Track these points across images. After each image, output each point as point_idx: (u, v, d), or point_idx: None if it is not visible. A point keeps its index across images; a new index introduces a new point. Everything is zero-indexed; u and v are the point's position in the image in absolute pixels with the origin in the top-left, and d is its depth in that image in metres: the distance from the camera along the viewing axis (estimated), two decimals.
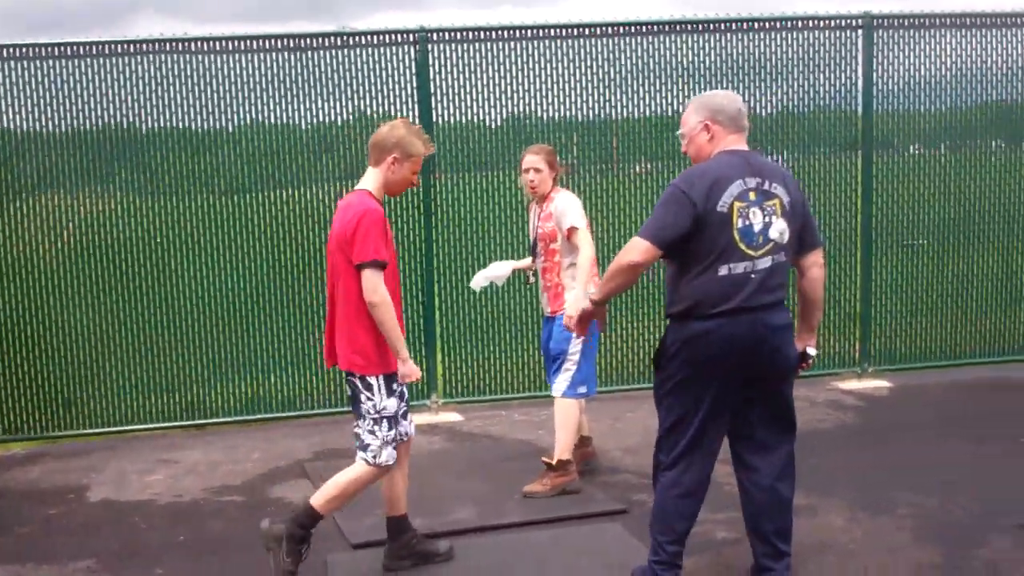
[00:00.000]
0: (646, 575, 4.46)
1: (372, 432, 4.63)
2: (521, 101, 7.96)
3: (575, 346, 5.73)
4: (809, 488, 5.68)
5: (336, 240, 4.58)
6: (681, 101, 8.03)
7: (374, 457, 4.64)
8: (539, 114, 8.02)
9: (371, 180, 4.70)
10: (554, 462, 5.83)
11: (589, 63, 8.01)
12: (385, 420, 4.62)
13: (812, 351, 4.49)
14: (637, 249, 4.17)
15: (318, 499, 4.69)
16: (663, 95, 8.12)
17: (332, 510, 4.77)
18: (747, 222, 4.16)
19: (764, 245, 4.19)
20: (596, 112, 8.09)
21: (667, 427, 4.39)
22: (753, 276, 4.17)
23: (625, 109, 8.13)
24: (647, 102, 8.12)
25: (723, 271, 4.16)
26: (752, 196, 4.19)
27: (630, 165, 8.30)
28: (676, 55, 8.09)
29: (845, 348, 8.59)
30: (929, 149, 8.63)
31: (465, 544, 5.19)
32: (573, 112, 8.04)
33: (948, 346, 8.66)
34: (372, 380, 4.59)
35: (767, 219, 4.19)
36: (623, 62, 8.06)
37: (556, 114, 8.04)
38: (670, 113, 8.11)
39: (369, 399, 4.61)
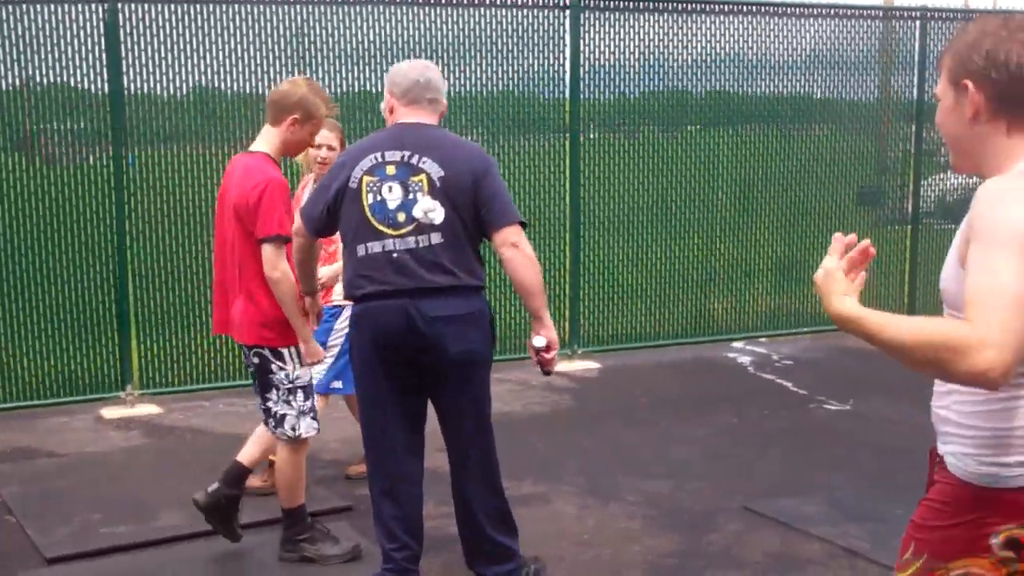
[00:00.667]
0: None
1: (288, 402, 4.44)
2: (209, 70, 7.34)
3: (334, 338, 5.40)
4: (538, 475, 5.60)
5: (234, 208, 4.32)
6: (380, 77, 7.66)
7: (293, 429, 4.46)
8: (228, 85, 7.45)
9: (267, 141, 4.43)
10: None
11: (281, 36, 7.45)
12: (299, 390, 4.45)
13: (537, 342, 4.07)
14: (296, 224, 4.14)
15: (284, 502, 4.64)
16: (360, 71, 7.71)
17: (299, 497, 4.67)
18: (379, 198, 3.88)
19: (407, 224, 3.87)
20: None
21: (361, 418, 4.26)
22: (395, 256, 3.87)
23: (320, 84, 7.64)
24: (343, 78, 7.69)
25: (360, 251, 3.92)
26: (390, 171, 3.90)
27: None
28: (374, 30, 7.69)
29: (557, 329, 8.57)
30: (635, 133, 8.78)
31: (176, 554, 4.73)
32: (266, 85, 7.46)
33: (652, 327, 8.85)
34: (283, 350, 4.38)
35: (410, 196, 3.88)
36: (318, 37, 7.57)
37: (247, 86, 7.49)
38: (368, 88, 7.76)
39: (281, 368, 4.41)
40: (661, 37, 8.55)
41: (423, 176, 3.88)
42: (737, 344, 9.03)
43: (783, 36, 8.90)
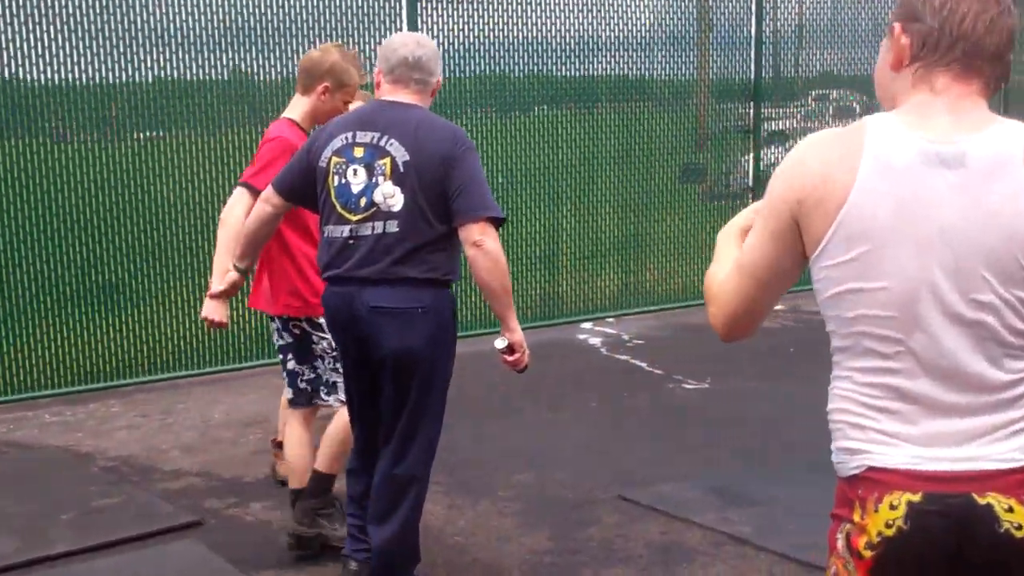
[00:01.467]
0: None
1: (336, 370, 4.28)
2: (13, 62, 6.70)
3: None
4: None
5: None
6: (189, 65, 7.18)
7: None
8: (35, 77, 6.81)
9: (297, 108, 4.36)
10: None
11: (81, 23, 6.82)
12: None
13: (498, 343, 3.81)
14: (265, 192, 3.94)
15: (322, 463, 4.40)
16: (167, 58, 7.12)
17: (339, 467, 4.41)
18: (343, 180, 3.66)
19: (366, 210, 3.64)
20: (91, 76, 6.95)
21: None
22: (352, 243, 3.66)
23: (124, 73, 7.03)
24: (148, 66, 7.08)
25: (327, 233, 3.75)
26: (358, 152, 3.66)
27: (132, 133, 7.31)
28: (205, 15, 7.17)
29: None
30: (471, 116, 8.51)
31: None
32: (75, 75, 6.88)
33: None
34: (320, 320, 4.19)
35: (373, 180, 3.63)
36: (125, 24, 6.97)
37: (54, 77, 6.85)
38: (176, 77, 7.21)
39: (323, 337, 4.30)
40: (487, 20, 8.30)
41: (388, 159, 3.62)
42: (586, 325, 8.87)
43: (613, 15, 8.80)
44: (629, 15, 8.90)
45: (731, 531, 4.51)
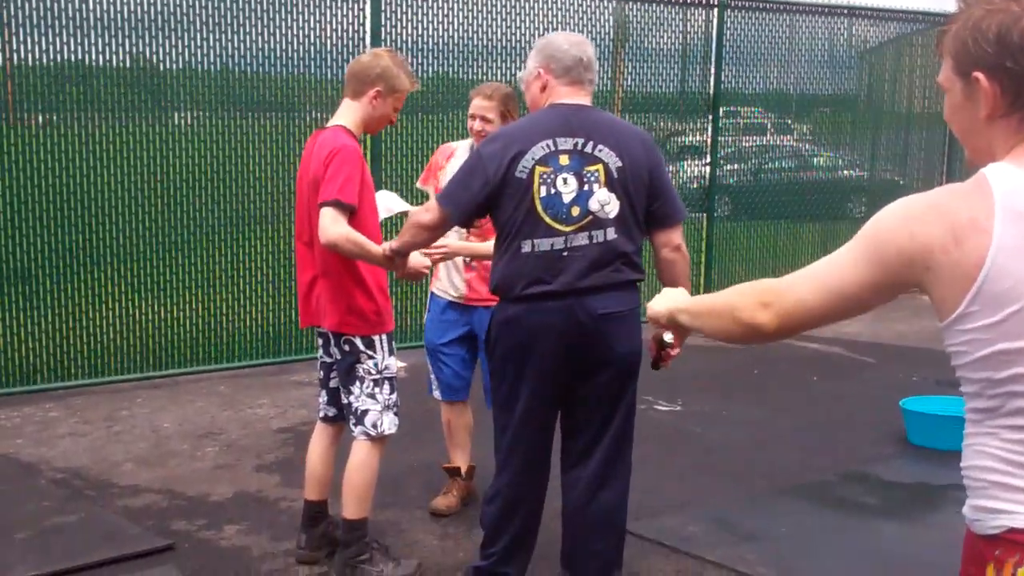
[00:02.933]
0: None
1: (372, 396, 4.08)
2: None
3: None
4: (380, 495, 4.92)
5: (311, 186, 4.00)
6: (88, 50, 6.75)
7: (375, 426, 4.10)
8: None
9: (348, 115, 4.10)
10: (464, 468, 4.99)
11: None
12: (387, 381, 4.11)
13: (668, 337, 3.69)
14: (428, 207, 3.69)
15: (349, 510, 4.13)
16: (63, 42, 6.66)
17: (367, 507, 4.18)
18: (553, 190, 3.46)
19: (580, 219, 3.48)
20: None
21: (495, 422, 3.78)
22: (566, 255, 3.49)
23: (16, 55, 6.59)
24: (43, 49, 6.63)
25: (526, 247, 3.51)
26: (564, 160, 3.48)
27: (28, 115, 6.85)
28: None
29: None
30: None
31: None
32: None
33: None
34: (375, 338, 4.05)
35: (585, 188, 3.48)
36: (26, 9, 6.52)
37: None
38: (73, 62, 6.76)
39: (371, 358, 4.07)
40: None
41: (599, 166, 3.49)
42: None
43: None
44: (548, 23, 8.67)
45: (750, 571, 4.28)
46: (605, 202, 3.50)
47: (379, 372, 4.07)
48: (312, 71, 7.63)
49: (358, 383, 4.08)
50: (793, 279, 1.90)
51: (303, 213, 4.12)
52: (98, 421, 6.20)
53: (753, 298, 1.94)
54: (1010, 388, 1.69)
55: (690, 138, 10.00)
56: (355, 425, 4.13)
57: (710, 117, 9.69)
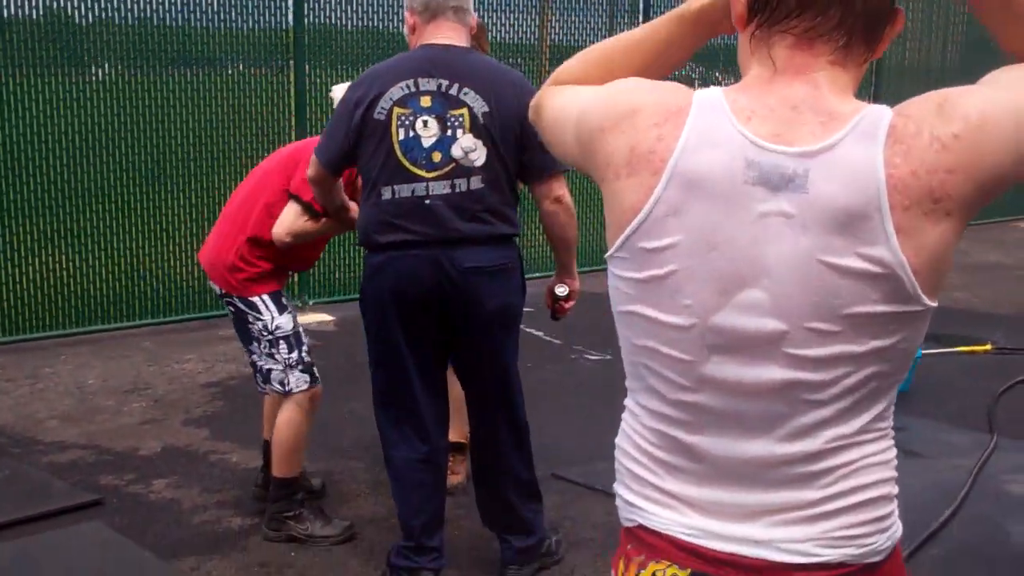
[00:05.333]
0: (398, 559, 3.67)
1: (271, 356, 3.97)
2: None
3: None
4: (317, 451, 4.90)
5: (292, 155, 3.96)
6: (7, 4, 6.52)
7: (282, 384, 3.99)
8: None
9: None
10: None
11: None
12: (282, 341, 3.95)
13: (560, 290, 3.72)
14: (311, 161, 3.52)
15: (277, 468, 4.07)
16: None
17: (296, 466, 4.10)
18: (412, 133, 3.31)
19: (443, 166, 3.33)
20: None
21: (372, 379, 3.65)
22: (428, 202, 3.33)
23: None
24: None
25: (387, 194, 3.36)
26: (425, 102, 3.32)
27: None
28: None
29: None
30: None
31: None
32: None
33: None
34: (255, 299, 3.92)
35: (448, 133, 3.32)
36: None
37: None
38: None
39: (258, 319, 3.94)
40: None
41: (464, 110, 3.30)
42: None
43: None
44: None
45: None
46: (470, 149, 3.33)
47: (270, 333, 3.96)
48: (232, 22, 7.47)
49: (255, 343, 4.00)
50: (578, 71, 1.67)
51: (267, 167, 4.06)
52: (20, 379, 6.08)
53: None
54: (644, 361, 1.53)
55: None
56: (264, 383, 4.07)
57: None
